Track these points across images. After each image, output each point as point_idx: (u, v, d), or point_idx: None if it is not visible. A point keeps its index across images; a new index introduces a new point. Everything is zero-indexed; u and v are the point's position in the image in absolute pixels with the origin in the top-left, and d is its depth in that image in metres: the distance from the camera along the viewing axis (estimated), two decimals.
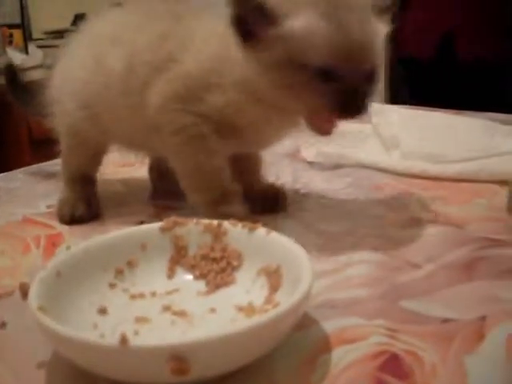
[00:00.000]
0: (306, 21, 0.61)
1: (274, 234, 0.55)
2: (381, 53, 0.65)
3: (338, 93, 0.62)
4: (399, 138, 1.02)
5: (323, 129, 0.68)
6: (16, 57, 3.07)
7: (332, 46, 0.61)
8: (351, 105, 0.63)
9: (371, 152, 1.03)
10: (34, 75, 2.96)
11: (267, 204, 0.80)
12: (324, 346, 0.49)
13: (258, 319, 0.41)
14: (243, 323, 0.40)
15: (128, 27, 0.77)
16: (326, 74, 0.61)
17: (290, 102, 0.67)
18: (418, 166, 0.94)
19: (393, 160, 0.98)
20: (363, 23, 0.62)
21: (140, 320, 0.51)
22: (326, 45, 0.61)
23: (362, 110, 0.64)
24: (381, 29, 0.65)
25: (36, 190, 0.97)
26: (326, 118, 0.66)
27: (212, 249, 0.57)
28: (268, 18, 0.61)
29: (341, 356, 0.48)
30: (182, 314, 0.51)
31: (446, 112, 1.24)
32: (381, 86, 2.96)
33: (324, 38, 0.61)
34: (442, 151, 0.96)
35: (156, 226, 0.58)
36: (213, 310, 0.52)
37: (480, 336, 0.50)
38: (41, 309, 0.44)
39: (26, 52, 3.22)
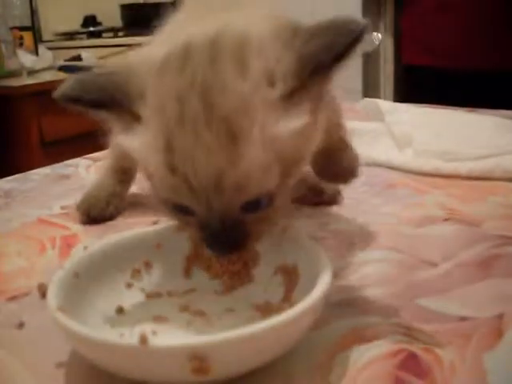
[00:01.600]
0: (143, 139, 0.48)
1: (291, 232, 0.55)
2: (255, 184, 0.46)
3: (198, 226, 0.50)
4: (412, 136, 1.02)
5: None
6: (26, 59, 3.08)
7: (163, 183, 0.48)
8: (211, 242, 0.50)
9: (384, 150, 1.02)
10: (45, 77, 2.98)
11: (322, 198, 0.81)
12: (341, 344, 0.49)
13: (277, 318, 0.41)
14: (262, 322, 0.40)
15: None
16: (178, 205, 0.49)
17: None
18: (431, 164, 0.94)
19: (406, 158, 0.98)
20: (208, 151, 0.45)
21: (158, 319, 0.51)
22: (158, 180, 0.48)
23: (225, 251, 0.50)
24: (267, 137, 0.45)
25: (50, 192, 0.98)
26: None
27: None
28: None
29: (359, 355, 0.48)
30: (199, 313, 0.52)
31: (459, 110, 1.24)
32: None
33: (156, 172, 0.47)
34: (455, 149, 0.96)
35: (172, 225, 0.58)
36: (230, 310, 0.52)
37: (498, 333, 0.50)
38: (60, 309, 0.44)
39: (37, 54, 3.23)
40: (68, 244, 0.74)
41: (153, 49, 0.52)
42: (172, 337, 0.49)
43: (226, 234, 0.48)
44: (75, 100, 0.49)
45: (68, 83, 0.50)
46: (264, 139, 0.45)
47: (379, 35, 2.59)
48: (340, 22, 0.47)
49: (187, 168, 0.45)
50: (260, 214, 0.49)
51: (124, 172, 0.85)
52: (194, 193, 0.46)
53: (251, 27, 0.49)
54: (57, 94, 0.49)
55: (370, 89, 2.99)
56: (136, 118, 0.48)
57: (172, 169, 0.46)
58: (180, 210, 0.50)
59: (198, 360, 0.39)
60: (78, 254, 0.54)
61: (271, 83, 0.46)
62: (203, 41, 0.48)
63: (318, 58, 0.46)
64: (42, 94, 2.75)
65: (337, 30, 0.46)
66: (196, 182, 0.45)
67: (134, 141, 0.48)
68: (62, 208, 0.88)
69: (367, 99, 1.25)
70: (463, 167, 0.92)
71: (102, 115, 0.50)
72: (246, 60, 0.46)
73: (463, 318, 0.52)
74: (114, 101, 0.48)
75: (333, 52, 0.46)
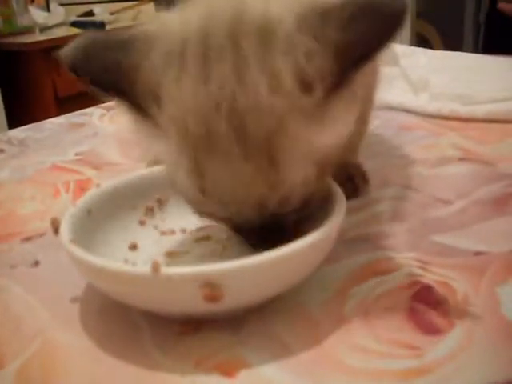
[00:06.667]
0: (167, 150, 0.43)
1: None
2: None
3: (235, 228, 0.48)
4: (428, 80, 1.00)
5: None
6: (38, 15, 3.06)
7: (194, 199, 0.45)
8: (247, 237, 0.48)
9: (399, 94, 1.01)
10: (58, 33, 2.96)
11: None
12: (356, 278, 0.49)
13: (289, 246, 0.40)
14: (274, 251, 0.40)
15: None
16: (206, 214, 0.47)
17: None
18: (448, 107, 0.93)
19: (422, 101, 0.97)
20: (246, 181, 0.41)
21: (171, 255, 0.51)
22: (187, 195, 0.45)
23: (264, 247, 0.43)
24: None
25: (64, 139, 0.98)
26: None
27: None
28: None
29: (373, 287, 0.48)
30: (213, 248, 0.52)
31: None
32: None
33: (185, 188, 0.44)
34: (471, 92, 0.94)
35: None
36: (243, 242, 0.52)
37: None
38: (73, 242, 0.44)
39: (48, 10, 3.20)
40: (82, 188, 0.74)
41: (171, 23, 0.45)
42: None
43: (264, 236, 0.45)
44: (75, 70, 0.44)
45: (72, 48, 0.44)
46: (304, 155, 0.41)
47: None
48: (377, 2, 0.40)
49: (222, 196, 0.42)
50: (300, 215, 0.46)
51: None
52: (229, 213, 0.43)
53: (271, 10, 0.42)
54: (60, 55, 0.44)
55: None
56: (146, 115, 0.43)
57: (203, 191, 0.42)
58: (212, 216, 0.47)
59: (210, 287, 0.39)
60: (91, 191, 0.54)
61: (305, 88, 0.40)
62: (223, 31, 0.41)
63: (358, 50, 0.39)
64: (55, 50, 2.73)
65: (375, 14, 0.39)
66: (234, 208, 0.42)
67: (158, 147, 0.44)
68: (77, 154, 0.88)
69: None
70: (480, 110, 0.91)
71: (106, 95, 0.45)
72: (274, 62, 0.40)
73: (478, 253, 0.52)
74: (121, 90, 0.43)
75: (375, 42, 0.39)
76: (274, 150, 0.40)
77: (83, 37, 0.45)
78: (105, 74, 0.43)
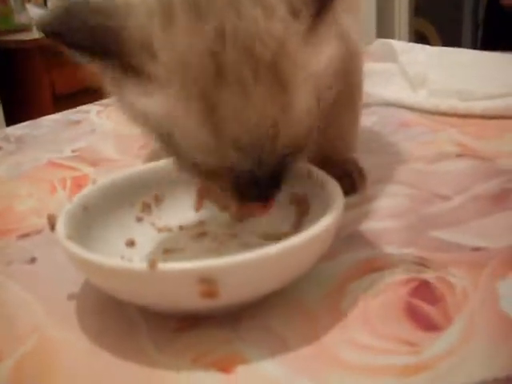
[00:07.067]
0: (165, 102, 0.42)
1: (302, 164, 0.54)
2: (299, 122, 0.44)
3: (233, 186, 0.47)
4: (426, 76, 1.00)
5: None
6: (36, 12, 3.05)
7: (201, 147, 0.43)
8: (245, 192, 0.46)
9: (397, 91, 1.01)
10: None
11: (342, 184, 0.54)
12: (354, 274, 0.49)
13: (285, 242, 0.40)
14: (270, 247, 0.40)
15: None
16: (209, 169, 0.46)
17: None
18: (446, 103, 0.92)
19: (420, 98, 0.96)
20: (260, 105, 0.41)
21: (168, 252, 0.51)
22: (192, 145, 0.43)
23: (262, 198, 0.46)
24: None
25: (61, 136, 0.97)
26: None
27: None
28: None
29: (370, 283, 0.48)
30: (210, 244, 0.52)
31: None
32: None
33: (191, 137, 0.43)
34: (469, 88, 0.94)
35: None
36: (240, 239, 0.52)
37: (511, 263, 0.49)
38: (69, 238, 0.44)
39: (46, 7, 3.20)
40: (79, 184, 0.74)
41: None
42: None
43: (268, 183, 0.45)
44: (56, 35, 0.42)
45: (53, 13, 0.42)
46: (306, 79, 0.42)
47: None
48: None
49: (236, 127, 0.41)
50: (297, 158, 0.47)
51: None
52: (240, 151, 0.42)
53: None
54: (38, 22, 0.42)
55: (383, 29, 2.97)
56: (138, 73, 0.42)
57: (215, 130, 0.41)
58: (212, 173, 0.45)
59: (207, 283, 0.38)
60: (87, 188, 0.54)
61: (295, 14, 0.42)
62: None
63: None
64: (53, 47, 2.74)
65: None
66: (247, 139, 0.42)
67: (150, 104, 0.42)
68: (73, 151, 0.88)
69: (380, 40, 1.22)
70: (478, 106, 0.90)
71: (90, 62, 0.43)
72: None
73: (476, 249, 0.52)
74: (108, 51, 0.42)
75: None
76: (280, 72, 0.41)
77: (62, 2, 0.43)
78: (90, 36, 0.42)
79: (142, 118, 0.44)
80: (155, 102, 0.42)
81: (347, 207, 0.49)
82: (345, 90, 0.54)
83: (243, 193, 0.46)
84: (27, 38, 2.80)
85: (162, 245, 0.52)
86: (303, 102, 0.43)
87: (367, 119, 0.91)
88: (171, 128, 0.43)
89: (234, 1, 0.41)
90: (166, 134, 0.44)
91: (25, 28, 2.99)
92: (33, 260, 0.56)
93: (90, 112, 1.11)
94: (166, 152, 0.47)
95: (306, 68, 0.43)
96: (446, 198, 0.62)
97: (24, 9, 3.04)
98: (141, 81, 0.42)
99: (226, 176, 0.45)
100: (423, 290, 0.46)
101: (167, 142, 0.44)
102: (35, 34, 2.89)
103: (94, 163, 0.82)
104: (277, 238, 0.50)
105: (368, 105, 0.98)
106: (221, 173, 0.45)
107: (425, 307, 0.44)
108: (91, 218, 0.51)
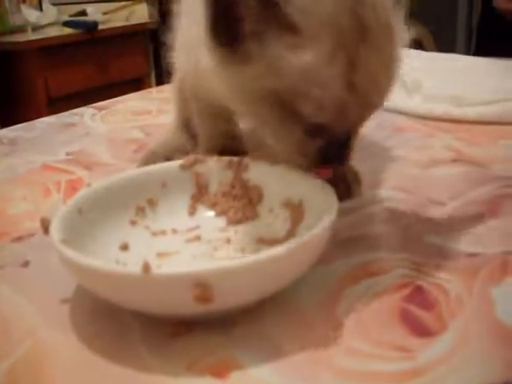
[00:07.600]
0: (316, 60, 0.45)
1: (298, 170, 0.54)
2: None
3: (321, 148, 0.51)
4: (421, 82, 1.00)
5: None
6: (30, 14, 3.05)
7: (341, 105, 0.47)
8: (330, 156, 0.51)
9: (392, 96, 1.01)
10: (50, 32, 2.95)
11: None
12: (349, 279, 0.49)
13: (280, 248, 0.40)
14: (265, 252, 0.40)
15: None
16: (317, 131, 0.49)
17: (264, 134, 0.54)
18: (440, 109, 0.93)
19: (415, 103, 0.97)
20: (388, 67, 0.48)
21: (162, 256, 0.51)
22: (334, 104, 0.47)
23: (341, 160, 0.53)
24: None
25: (55, 139, 0.97)
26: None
27: (233, 186, 0.57)
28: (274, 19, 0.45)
29: (366, 288, 0.48)
30: (203, 248, 0.51)
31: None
32: None
33: (333, 96, 0.46)
34: (463, 94, 0.94)
35: (176, 163, 0.58)
36: (235, 244, 0.51)
37: (506, 268, 0.49)
38: (63, 242, 0.44)
39: (41, 9, 3.19)
40: (73, 187, 0.74)
41: None
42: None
43: (347, 146, 0.52)
44: None
45: None
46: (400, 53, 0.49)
47: None
48: None
49: (370, 85, 0.46)
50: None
51: (187, 125, 0.80)
52: (359, 109, 0.48)
53: None
54: None
55: None
56: (283, 26, 0.45)
57: (351, 86, 0.45)
58: (311, 134, 0.50)
59: (201, 288, 0.38)
60: (82, 191, 0.53)
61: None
62: None
63: None
64: (48, 49, 2.74)
65: None
66: (374, 97, 0.48)
67: (296, 57, 0.45)
68: (68, 154, 0.87)
69: None
70: (472, 111, 0.91)
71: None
72: None
73: (470, 254, 0.52)
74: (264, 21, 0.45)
75: None
76: (395, 38, 0.48)
77: None
78: None
79: (286, 70, 0.46)
80: (303, 54, 0.45)
81: (342, 212, 0.49)
82: None
83: (328, 155, 0.51)
84: (22, 40, 2.79)
85: (156, 248, 0.52)
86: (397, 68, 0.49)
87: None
88: (309, 82, 0.45)
89: None
90: (292, 91, 0.46)
91: (19, 29, 2.98)
92: (26, 263, 0.55)
93: (85, 115, 1.11)
94: (269, 113, 0.50)
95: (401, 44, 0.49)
96: (440, 203, 0.62)
97: (19, 10, 3.03)
98: (286, 33, 0.45)
99: (325, 136, 0.50)
100: (418, 295, 0.46)
101: (287, 99, 0.47)
102: (30, 36, 2.89)
103: (88, 166, 0.81)
104: (271, 243, 0.50)
105: None
106: (321, 133, 0.49)
107: (419, 313, 0.44)
108: (85, 221, 0.51)
